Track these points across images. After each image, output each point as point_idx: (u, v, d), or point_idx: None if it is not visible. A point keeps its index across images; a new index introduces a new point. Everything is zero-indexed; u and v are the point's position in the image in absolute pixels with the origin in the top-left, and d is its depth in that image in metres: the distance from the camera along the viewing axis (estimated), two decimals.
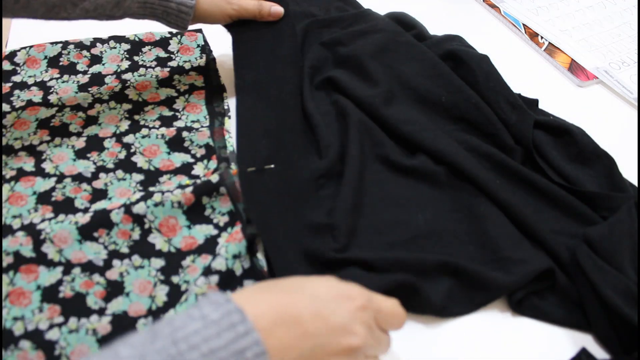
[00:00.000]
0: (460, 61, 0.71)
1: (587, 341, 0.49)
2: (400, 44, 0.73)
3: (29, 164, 0.61)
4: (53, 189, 0.59)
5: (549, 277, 0.51)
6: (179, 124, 0.67)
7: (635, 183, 0.61)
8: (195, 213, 0.57)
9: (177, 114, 0.68)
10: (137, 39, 0.78)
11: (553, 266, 0.51)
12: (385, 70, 0.70)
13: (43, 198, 0.58)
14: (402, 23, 0.81)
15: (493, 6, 0.92)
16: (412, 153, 0.63)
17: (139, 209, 0.55)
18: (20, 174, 0.60)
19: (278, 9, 0.71)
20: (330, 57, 0.75)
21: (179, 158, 0.63)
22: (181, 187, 0.58)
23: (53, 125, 0.66)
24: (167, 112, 0.68)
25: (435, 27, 0.82)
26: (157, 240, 0.54)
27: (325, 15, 0.82)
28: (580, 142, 0.62)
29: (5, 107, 0.68)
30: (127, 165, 0.62)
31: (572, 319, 0.50)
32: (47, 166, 0.61)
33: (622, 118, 0.72)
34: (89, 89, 0.71)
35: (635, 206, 0.53)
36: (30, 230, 0.53)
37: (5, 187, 0.58)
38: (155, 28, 0.81)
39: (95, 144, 0.64)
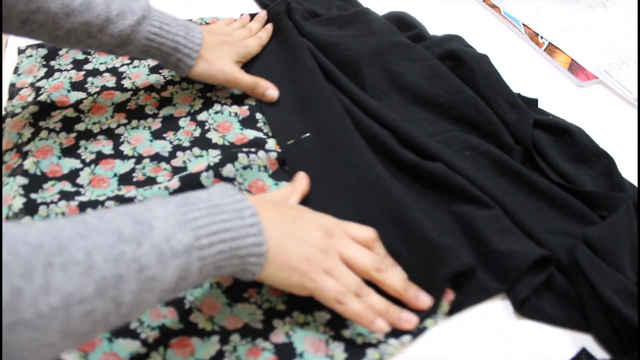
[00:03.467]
0: (459, 61, 0.71)
1: (587, 341, 0.49)
2: (396, 45, 0.73)
3: (107, 147, 0.63)
4: (133, 169, 0.60)
5: (547, 266, 0.51)
6: (250, 102, 0.69)
7: (635, 183, 0.61)
8: (279, 175, 0.60)
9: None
10: (204, 24, 0.80)
11: (546, 253, 0.50)
12: (382, 73, 0.70)
13: (124, 179, 0.59)
14: (402, 23, 0.81)
15: (493, 6, 0.92)
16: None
17: (228, 172, 0.58)
18: (100, 157, 0.61)
19: (272, 93, 0.68)
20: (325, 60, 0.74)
21: (252, 133, 0.65)
22: (265, 151, 0.61)
23: (129, 108, 0.67)
24: (237, 91, 0.70)
25: (435, 27, 0.82)
26: None
27: (324, 15, 0.82)
28: (579, 141, 0.62)
29: (81, 94, 0.69)
30: (202, 142, 0.64)
31: (572, 320, 0.49)
32: (125, 148, 0.63)
33: (622, 118, 0.72)
34: (160, 71, 0.73)
35: (634, 206, 0.53)
36: (121, 200, 0.55)
37: (86, 171, 0.60)
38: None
39: (171, 124, 0.66)
